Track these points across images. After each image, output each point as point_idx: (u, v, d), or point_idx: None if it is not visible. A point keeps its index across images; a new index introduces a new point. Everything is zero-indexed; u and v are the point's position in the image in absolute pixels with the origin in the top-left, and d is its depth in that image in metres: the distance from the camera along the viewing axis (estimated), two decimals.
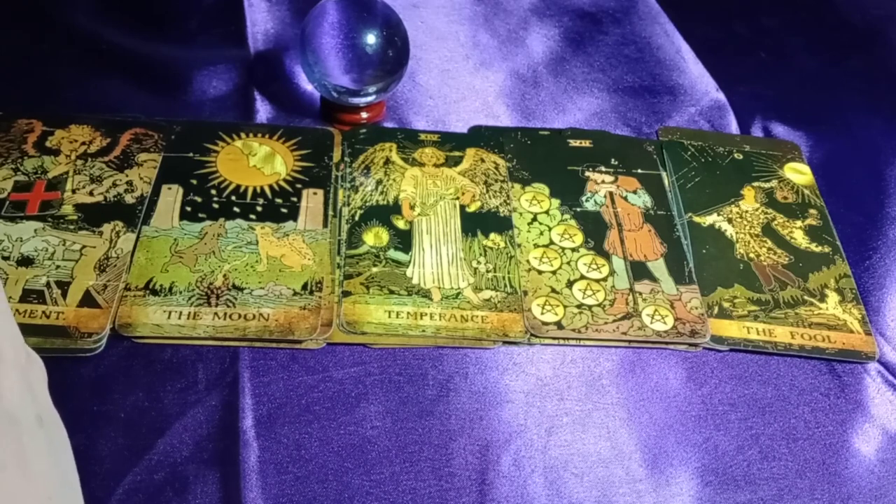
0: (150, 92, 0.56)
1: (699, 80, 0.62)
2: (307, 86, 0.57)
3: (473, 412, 0.41)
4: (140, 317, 0.42)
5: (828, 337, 0.45)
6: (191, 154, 0.51)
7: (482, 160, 0.53)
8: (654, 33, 0.67)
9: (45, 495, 0.25)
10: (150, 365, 0.41)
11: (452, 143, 0.54)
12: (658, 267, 0.48)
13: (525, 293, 0.45)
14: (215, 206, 0.48)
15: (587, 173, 0.53)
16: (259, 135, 0.53)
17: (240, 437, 0.38)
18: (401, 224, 0.48)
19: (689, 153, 0.56)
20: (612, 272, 0.47)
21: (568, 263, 0.47)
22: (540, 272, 0.47)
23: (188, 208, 0.47)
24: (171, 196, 0.48)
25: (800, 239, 0.51)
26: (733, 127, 0.59)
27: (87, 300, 0.42)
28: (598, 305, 0.45)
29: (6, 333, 0.27)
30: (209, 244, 0.46)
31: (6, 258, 0.43)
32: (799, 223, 0.52)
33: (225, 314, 0.42)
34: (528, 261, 0.47)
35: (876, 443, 0.42)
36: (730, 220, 0.51)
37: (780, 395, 0.43)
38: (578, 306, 0.45)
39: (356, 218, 0.48)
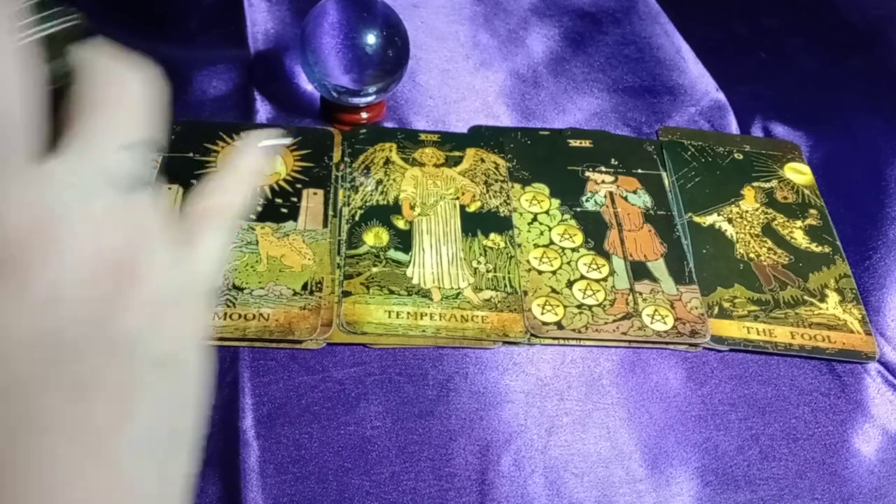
0: None
1: (699, 80, 0.62)
2: (307, 86, 0.57)
3: (473, 412, 0.41)
4: None
5: (828, 337, 0.45)
6: (191, 154, 0.51)
7: (482, 160, 0.53)
8: (654, 33, 0.67)
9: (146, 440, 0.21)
10: None
11: (452, 143, 0.54)
12: (658, 267, 0.48)
13: (525, 293, 0.45)
14: None
15: (587, 173, 0.53)
16: None
17: (240, 437, 0.38)
18: (401, 224, 0.48)
19: (689, 153, 0.56)
20: (612, 272, 0.47)
21: (568, 263, 0.47)
22: (540, 272, 0.47)
23: None
24: (172, 196, 0.48)
25: (800, 239, 0.51)
26: (733, 127, 0.59)
27: None
28: (598, 305, 0.45)
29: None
30: None
31: None
32: (799, 223, 0.52)
33: (225, 314, 0.42)
34: (528, 261, 0.47)
35: (876, 443, 0.42)
36: (730, 220, 0.51)
37: (780, 395, 0.43)
38: (578, 306, 0.45)
39: (356, 218, 0.48)
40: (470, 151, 0.54)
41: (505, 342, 0.43)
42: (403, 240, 0.47)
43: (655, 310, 0.45)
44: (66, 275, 0.20)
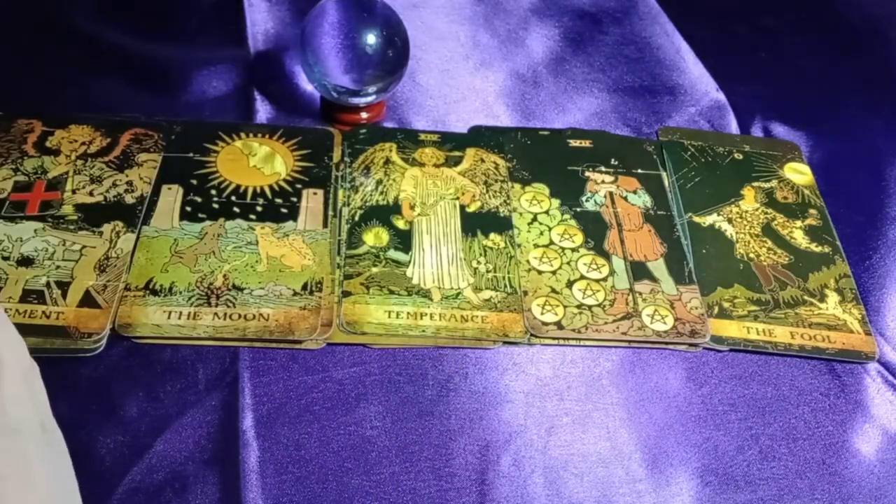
0: (150, 92, 0.56)
1: (699, 80, 0.62)
2: (307, 86, 0.57)
3: (473, 412, 0.41)
4: (140, 317, 0.42)
5: (828, 337, 0.45)
6: (191, 154, 0.51)
7: (482, 160, 0.53)
8: (654, 33, 0.67)
9: (47, 501, 0.25)
10: (150, 365, 0.41)
11: (452, 143, 0.54)
12: (658, 267, 0.48)
13: (525, 293, 0.45)
14: (215, 206, 0.48)
15: (587, 173, 0.53)
16: (259, 135, 0.53)
17: (239, 437, 0.38)
18: (401, 224, 0.48)
19: (689, 153, 0.56)
20: (612, 272, 0.47)
21: (568, 263, 0.47)
22: (540, 272, 0.47)
23: (188, 208, 0.47)
24: (171, 196, 0.48)
25: (800, 239, 0.51)
26: (733, 127, 0.59)
27: (87, 300, 0.42)
28: (598, 305, 0.45)
29: (7, 340, 0.27)
30: (209, 244, 0.46)
31: (6, 258, 0.43)
32: (799, 223, 0.52)
33: (225, 314, 0.42)
34: (528, 261, 0.47)
35: (876, 443, 0.42)
36: (730, 220, 0.51)
37: (780, 395, 0.43)
38: (578, 306, 0.45)
39: (356, 218, 0.48)
40: (470, 151, 0.54)
41: (505, 342, 0.43)
42: (403, 240, 0.47)
43: (655, 310, 0.45)
44: None
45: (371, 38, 0.50)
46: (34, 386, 0.27)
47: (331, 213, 0.48)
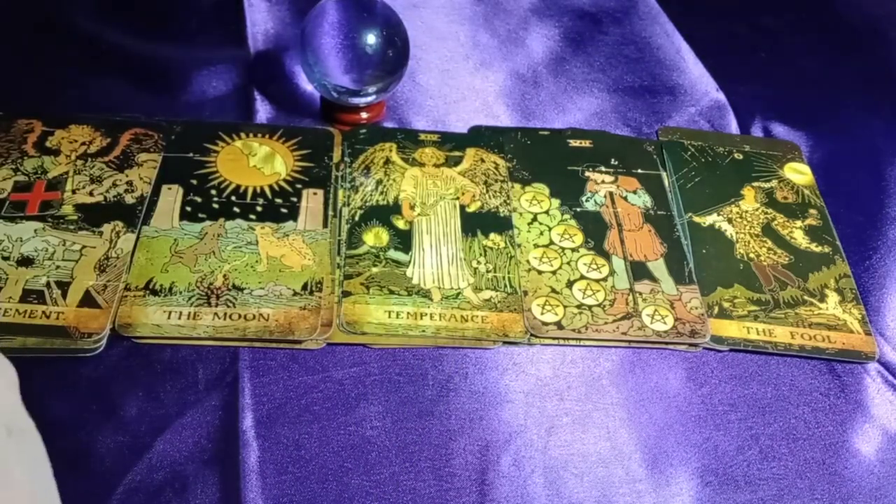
0: (150, 92, 0.56)
1: (699, 80, 0.62)
2: (307, 86, 0.57)
3: (473, 412, 0.41)
4: (140, 317, 0.42)
5: (828, 337, 0.45)
6: (191, 154, 0.51)
7: (482, 160, 0.53)
8: (654, 33, 0.67)
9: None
10: (150, 365, 0.41)
11: (452, 143, 0.54)
12: (658, 267, 0.48)
13: (525, 293, 0.45)
14: (215, 206, 0.48)
15: (587, 173, 0.53)
16: (259, 135, 0.53)
17: (239, 437, 0.38)
18: (401, 224, 0.48)
19: (689, 153, 0.56)
20: (612, 272, 0.47)
21: (568, 263, 0.47)
22: (540, 272, 0.47)
23: (188, 208, 0.47)
24: (172, 196, 0.48)
25: (800, 239, 0.51)
26: (733, 127, 0.59)
27: (87, 300, 0.42)
28: (598, 305, 0.45)
29: None
30: (209, 244, 0.46)
31: (6, 258, 0.43)
32: (799, 223, 0.52)
33: (225, 314, 0.42)
34: (528, 261, 0.47)
35: (876, 443, 0.42)
36: (730, 220, 0.51)
37: (780, 395, 0.43)
38: (578, 306, 0.45)
39: (356, 218, 0.48)
40: (470, 151, 0.54)
41: (505, 342, 0.43)
42: (403, 240, 0.47)
43: (655, 310, 0.45)
44: None
45: (371, 38, 0.50)
46: None
47: (331, 213, 0.48)
